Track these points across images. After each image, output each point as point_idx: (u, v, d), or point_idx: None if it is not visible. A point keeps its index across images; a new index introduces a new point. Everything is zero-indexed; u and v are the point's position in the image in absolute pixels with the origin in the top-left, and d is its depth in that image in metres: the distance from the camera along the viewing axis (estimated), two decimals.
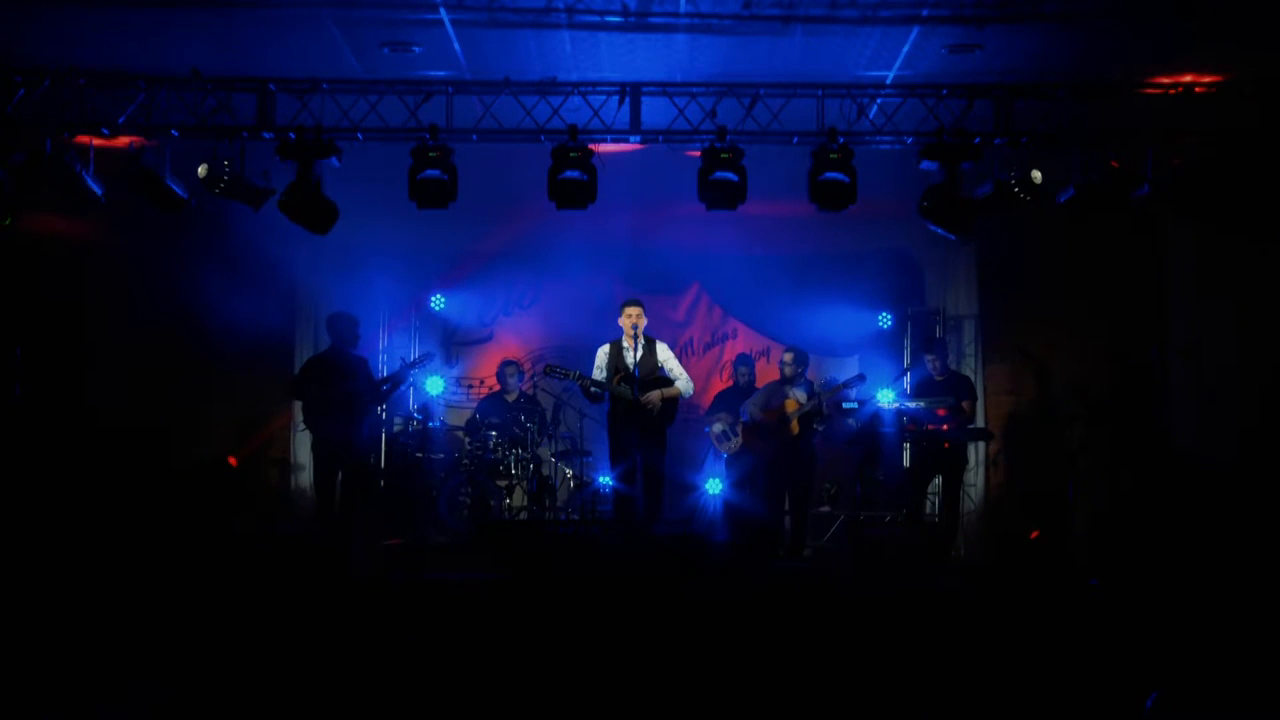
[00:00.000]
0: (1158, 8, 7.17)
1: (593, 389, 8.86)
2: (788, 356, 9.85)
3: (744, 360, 10.59)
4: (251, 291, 10.23)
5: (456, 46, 7.72)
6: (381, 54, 7.84)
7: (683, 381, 8.92)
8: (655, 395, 8.76)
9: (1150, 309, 10.25)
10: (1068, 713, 6.65)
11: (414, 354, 10.52)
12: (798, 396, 9.69)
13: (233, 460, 10.52)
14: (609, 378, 8.81)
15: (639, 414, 8.71)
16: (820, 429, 9.85)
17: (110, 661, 6.86)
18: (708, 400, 10.91)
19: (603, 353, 8.95)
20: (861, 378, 9.92)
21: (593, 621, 7.23)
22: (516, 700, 6.82)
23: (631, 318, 8.74)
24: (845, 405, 10.31)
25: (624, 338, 8.81)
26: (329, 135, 8.08)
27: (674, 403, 8.94)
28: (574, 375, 8.91)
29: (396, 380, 9.82)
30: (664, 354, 8.96)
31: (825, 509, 10.77)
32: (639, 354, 8.76)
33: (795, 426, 9.61)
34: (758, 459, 9.79)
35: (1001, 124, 8.20)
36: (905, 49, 7.71)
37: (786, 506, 9.82)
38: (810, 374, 10.14)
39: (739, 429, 10.06)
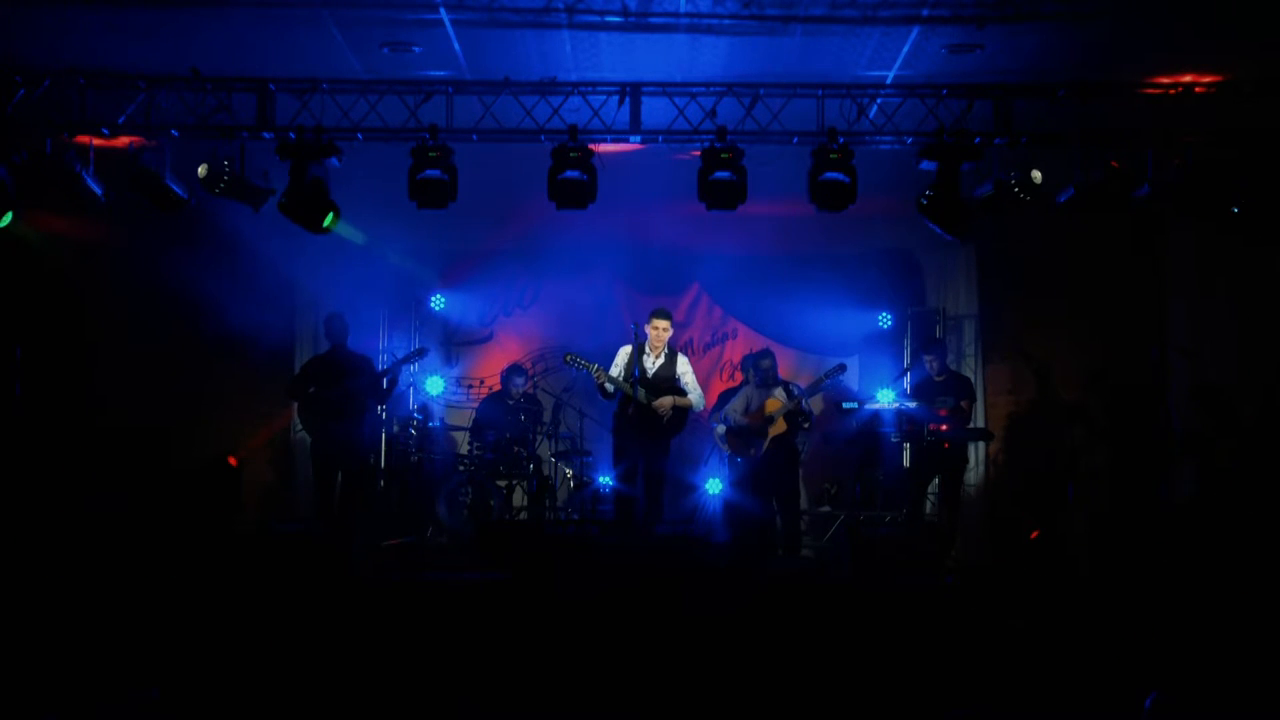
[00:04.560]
0: (1158, 8, 7.17)
1: (608, 385, 8.99)
2: (765, 363, 9.81)
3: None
4: (251, 291, 10.23)
5: (456, 46, 7.72)
6: (381, 54, 7.84)
7: (695, 395, 9.18)
8: (668, 400, 8.98)
9: (1150, 309, 10.25)
10: (1068, 713, 6.65)
11: None
12: (779, 396, 9.71)
13: (233, 460, 10.52)
14: (625, 378, 8.95)
15: (648, 417, 8.91)
16: (806, 426, 9.87)
17: (110, 661, 6.86)
18: (710, 400, 10.91)
19: (623, 353, 9.12)
20: (841, 367, 9.92)
21: (593, 622, 7.23)
22: (517, 700, 6.82)
23: (659, 330, 9.01)
24: (845, 405, 10.33)
25: (648, 344, 9.04)
26: (329, 135, 8.07)
27: (684, 413, 9.16)
28: (593, 368, 9.03)
29: (393, 377, 9.82)
30: (683, 367, 9.20)
31: (825, 509, 10.77)
32: (660, 361, 9.03)
33: (782, 424, 9.63)
34: (746, 462, 9.79)
35: (1001, 124, 8.20)
36: (905, 49, 7.71)
37: (775, 506, 9.83)
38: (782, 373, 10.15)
39: (728, 436, 10.03)
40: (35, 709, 6.07)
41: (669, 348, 9.10)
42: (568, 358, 9.27)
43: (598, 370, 9.00)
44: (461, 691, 6.80)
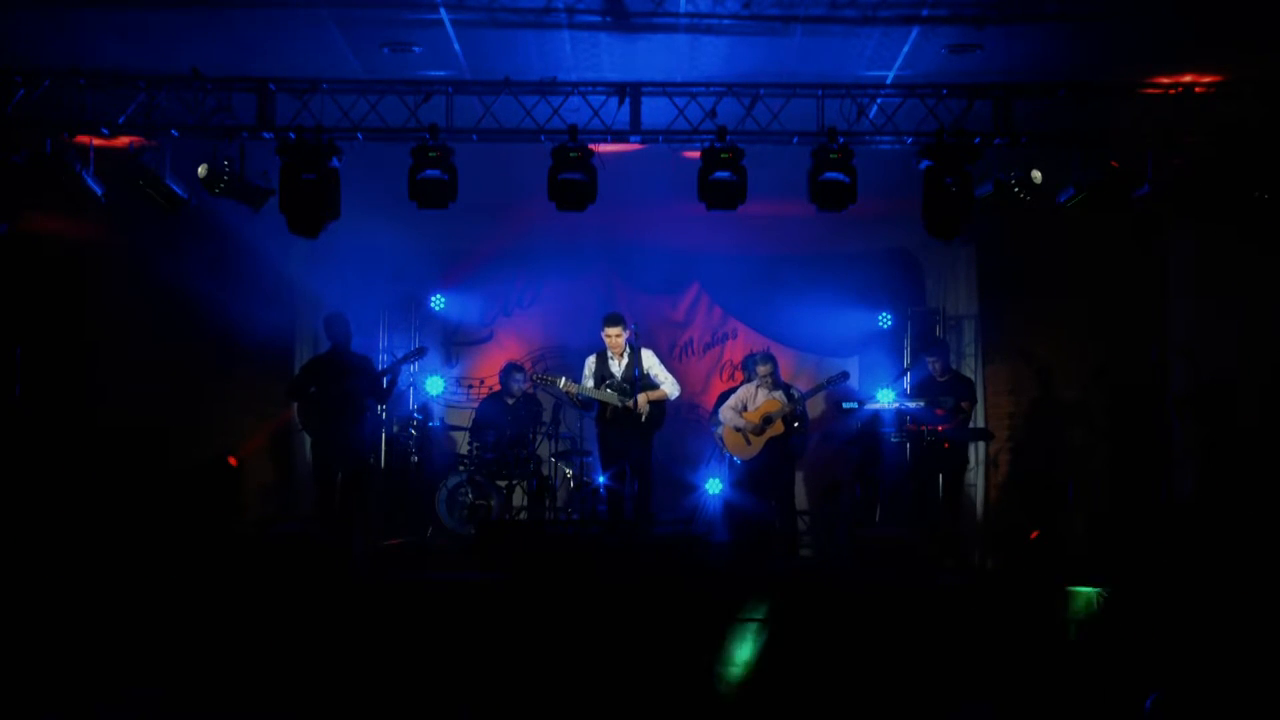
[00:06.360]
0: (1158, 8, 7.17)
1: (579, 396, 9.30)
2: (763, 369, 9.80)
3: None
4: (251, 291, 10.23)
5: (456, 46, 7.72)
6: (381, 54, 7.84)
7: (668, 385, 9.32)
8: (642, 399, 9.11)
9: (1150, 309, 10.24)
10: (1068, 713, 6.66)
11: None
12: (778, 397, 9.71)
13: (233, 460, 10.52)
14: (596, 385, 9.18)
15: (626, 417, 9.10)
16: (797, 426, 9.89)
17: (110, 661, 6.87)
18: (709, 400, 10.91)
19: (590, 362, 9.37)
20: (844, 375, 9.97)
21: (593, 622, 7.24)
22: (517, 700, 6.83)
23: (611, 337, 9.17)
24: (845, 405, 10.33)
25: (609, 350, 9.24)
26: (329, 135, 8.07)
27: (661, 406, 9.31)
28: (560, 382, 9.38)
29: (393, 377, 9.82)
30: (649, 361, 9.34)
31: (825, 509, 10.76)
32: (625, 362, 9.20)
33: (780, 426, 9.65)
34: (745, 462, 9.79)
35: (1001, 124, 8.19)
36: (905, 49, 7.71)
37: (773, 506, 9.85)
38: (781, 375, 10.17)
39: (725, 435, 10.02)
40: (35, 709, 6.07)
41: (629, 347, 9.25)
42: (535, 377, 9.69)
43: (566, 384, 9.33)
44: (461, 692, 6.80)
